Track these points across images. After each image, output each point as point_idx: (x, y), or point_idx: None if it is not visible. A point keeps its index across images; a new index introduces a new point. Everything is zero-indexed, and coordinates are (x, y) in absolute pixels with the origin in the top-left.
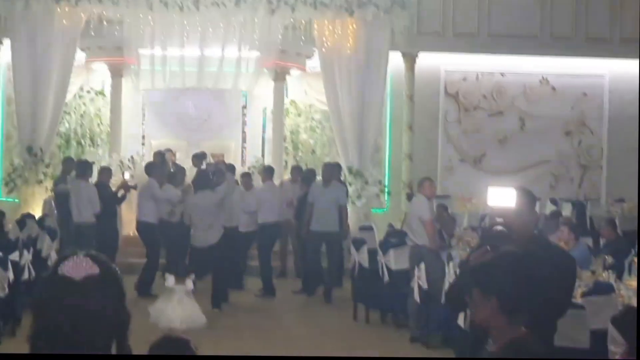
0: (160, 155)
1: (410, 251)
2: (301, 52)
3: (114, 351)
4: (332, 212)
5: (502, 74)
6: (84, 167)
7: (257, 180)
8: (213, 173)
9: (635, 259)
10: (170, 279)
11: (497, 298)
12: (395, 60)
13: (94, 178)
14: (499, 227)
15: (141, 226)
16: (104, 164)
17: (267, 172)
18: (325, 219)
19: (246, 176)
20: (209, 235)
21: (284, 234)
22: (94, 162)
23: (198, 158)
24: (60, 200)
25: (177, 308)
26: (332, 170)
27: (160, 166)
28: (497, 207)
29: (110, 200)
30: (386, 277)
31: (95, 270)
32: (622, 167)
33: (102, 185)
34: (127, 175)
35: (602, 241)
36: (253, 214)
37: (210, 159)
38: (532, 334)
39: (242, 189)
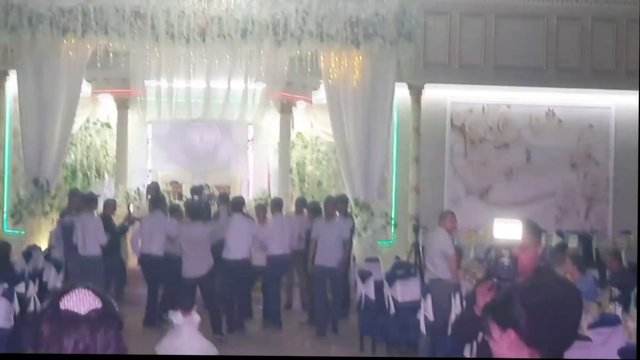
0: (154, 188)
1: (430, 284)
2: (307, 85)
3: None
4: (336, 248)
5: (508, 106)
6: (90, 200)
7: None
8: (205, 204)
9: None
10: (177, 316)
11: (515, 330)
12: (402, 92)
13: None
14: (505, 260)
15: (147, 259)
16: (109, 195)
17: (276, 204)
18: (329, 254)
19: (260, 209)
20: (198, 266)
21: (291, 266)
22: (99, 195)
23: (195, 191)
24: (66, 232)
25: (188, 344)
26: (335, 204)
27: (164, 199)
28: (503, 240)
29: (114, 233)
30: (392, 309)
31: (98, 304)
32: (628, 199)
33: (107, 217)
34: (131, 207)
35: (608, 273)
36: (264, 248)
37: (215, 191)
38: None
39: (254, 223)
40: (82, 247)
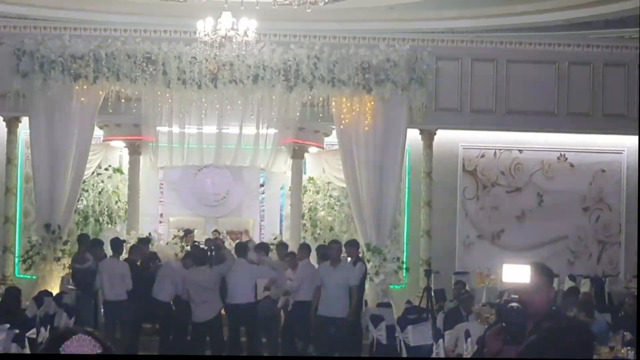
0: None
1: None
2: (319, 130)
3: None
4: (342, 295)
5: (520, 151)
6: (117, 245)
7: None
8: (211, 249)
9: None
10: None
11: None
12: (413, 136)
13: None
14: (514, 304)
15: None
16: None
17: (305, 249)
18: (334, 303)
19: (291, 255)
20: (206, 310)
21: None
22: (125, 241)
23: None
24: (80, 276)
25: None
26: (351, 248)
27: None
28: (515, 283)
29: (140, 278)
30: (404, 354)
31: (98, 349)
32: None
33: (132, 262)
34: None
35: (620, 315)
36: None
37: (225, 237)
38: None
39: (258, 267)
40: (108, 292)
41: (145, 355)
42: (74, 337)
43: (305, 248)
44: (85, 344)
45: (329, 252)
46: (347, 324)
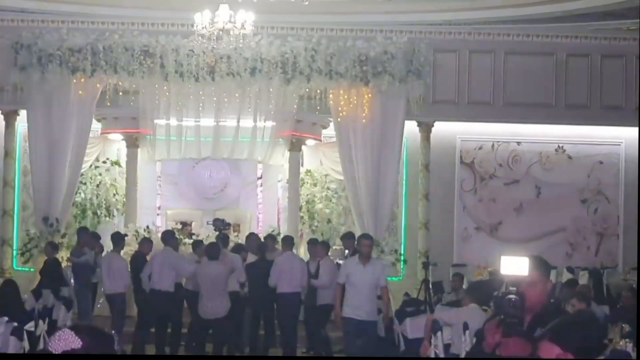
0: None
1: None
2: (317, 122)
3: None
4: (372, 297)
5: (518, 143)
6: (118, 239)
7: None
8: (220, 229)
9: None
10: None
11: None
12: (411, 128)
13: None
14: (512, 296)
15: (158, 295)
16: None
17: (287, 242)
18: (365, 305)
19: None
20: (217, 307)
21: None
22: (126, 235)
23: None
24: (77, 269)
25: None
26: (347, 240)
27: (175, 236)
28: (513, 276)
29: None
30: (402, 346)
31: (76, 344)
32: None
33: (142, 255)
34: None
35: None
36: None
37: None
38: None
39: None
40: (107, 285)
41: (146, 356)
42: (56, 334)
43: (287, 240)
44: (62, 339)
45: (358, 248)
46: (376, 330)
